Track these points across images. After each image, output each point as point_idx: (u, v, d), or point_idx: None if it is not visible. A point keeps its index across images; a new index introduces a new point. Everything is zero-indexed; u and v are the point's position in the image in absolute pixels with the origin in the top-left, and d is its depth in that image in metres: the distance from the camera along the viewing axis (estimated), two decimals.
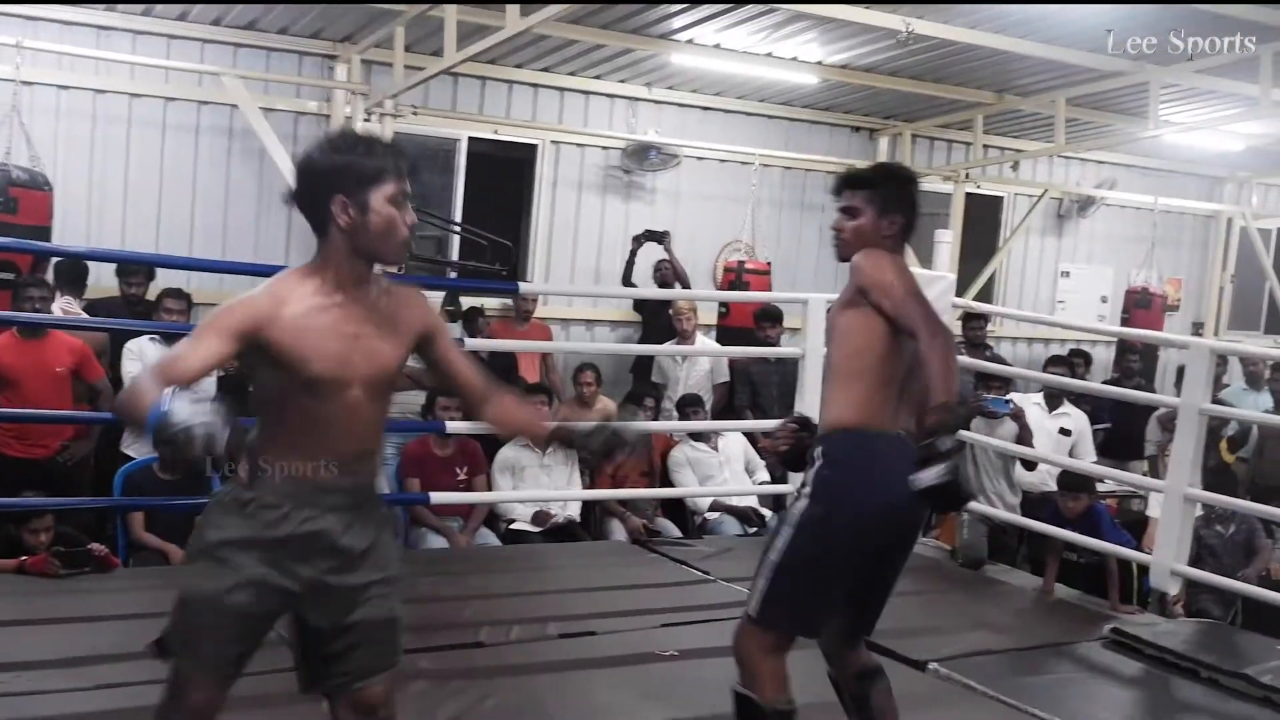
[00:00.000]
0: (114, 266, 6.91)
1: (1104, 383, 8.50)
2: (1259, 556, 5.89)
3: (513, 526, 6.55)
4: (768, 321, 7.82)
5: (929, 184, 10.33)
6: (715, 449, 7.08)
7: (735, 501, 6.99)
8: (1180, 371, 6.17)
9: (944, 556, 6.44)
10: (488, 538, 6.47)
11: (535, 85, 8.83)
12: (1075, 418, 7.06)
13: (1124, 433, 8.10)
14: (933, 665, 4.50)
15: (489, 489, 6.55)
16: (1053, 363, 7.63)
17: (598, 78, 8.93)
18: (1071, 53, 7.55)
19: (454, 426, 6.12)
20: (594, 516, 6.90)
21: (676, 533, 6.86)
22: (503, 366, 7.60)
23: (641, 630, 4.81)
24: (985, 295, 10.45)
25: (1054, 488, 6.16)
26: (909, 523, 3.14)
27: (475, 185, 8.86)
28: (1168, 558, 5.34)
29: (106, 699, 3.61)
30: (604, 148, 9.14)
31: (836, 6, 6.81)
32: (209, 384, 5.35)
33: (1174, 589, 5.54)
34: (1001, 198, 11.06)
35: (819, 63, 8.29)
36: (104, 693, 3.66)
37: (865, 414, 3.05)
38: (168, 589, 2.68)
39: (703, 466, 7.03)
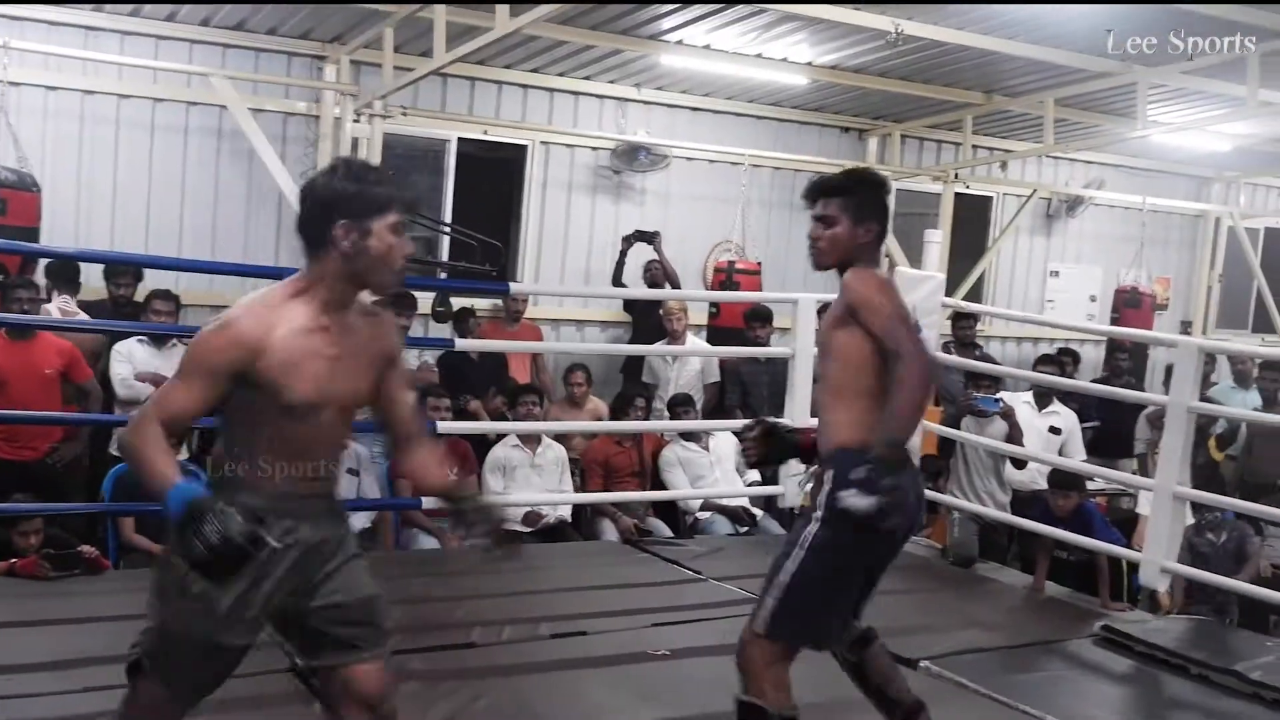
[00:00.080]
0: (102, 268, 6.89)
1: (1093, 381, 8.52)
2: (1249, 562, 5.91)
3: (504, 527, 6.52)
4: (758, 321, 7.83)
5: (918, 184, 10.40)
6: (706, 449, 7.08)
7: (726, 501, 7.00)
8: (1169, 370, 6.19)
9: (935, 555, 6.45)
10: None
11: (525, 86, 8.83)
12: (1065, 416, 7.07)
13: (1113, 431, 8.11)
14: (924, 663, 4.51)
15: (480, 489, 6.54)
16: (1042, 362, 7.63)
17: (587, 78, 8.93)
18: (1060, 53, 7.58)
19: (444, 427, 6.12)
20: (585, 516, 6.89)
21: (668, 532, 6.86)
22: (493, 367, 7.60)
23: (633, 630, 4.81)
24: (975, 295, 10.48)
25: (1044, 486, 6.18)
26: (911, 533, 3.28)
27: (465, 186, 8.85)
28: (1158, 555, 5.35)
29: (97, 701, 3.58)
30: (593, 148, 9.14)
31: (826, 7, 6.82)
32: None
33: (1163, 586, 5.56)
34: (991, 198, 11.08)
35: (808, 63, 8.31)
36: (94, 695, 3.63)
37: (868, 433, 3.10)
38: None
39: (694, 466, 7.03)
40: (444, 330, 8.05)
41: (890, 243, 9.24)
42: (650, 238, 8.78)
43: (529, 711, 3.94)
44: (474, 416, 6.93)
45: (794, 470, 6.21)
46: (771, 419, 3.78)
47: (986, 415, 6.41)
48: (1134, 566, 5.69)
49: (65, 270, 6.63)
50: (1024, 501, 6.55)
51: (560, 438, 6.91)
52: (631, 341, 8.82)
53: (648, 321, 8.35)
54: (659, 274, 8.78)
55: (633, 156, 9.11)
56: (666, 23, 7.43)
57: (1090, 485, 6.46)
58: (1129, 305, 10.32)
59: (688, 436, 7.10)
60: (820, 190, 3.23)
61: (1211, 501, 5.74)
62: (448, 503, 2.92)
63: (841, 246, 3.16)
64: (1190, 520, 5.84)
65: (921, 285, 6.48)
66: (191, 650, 2.56)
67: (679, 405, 7.21)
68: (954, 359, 7.39)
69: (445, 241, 8.75)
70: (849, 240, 3.16)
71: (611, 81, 9.00)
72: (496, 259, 8.39)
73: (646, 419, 7.26)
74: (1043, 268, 11.51)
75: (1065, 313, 11.21)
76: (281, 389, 2.47)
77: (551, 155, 9.05)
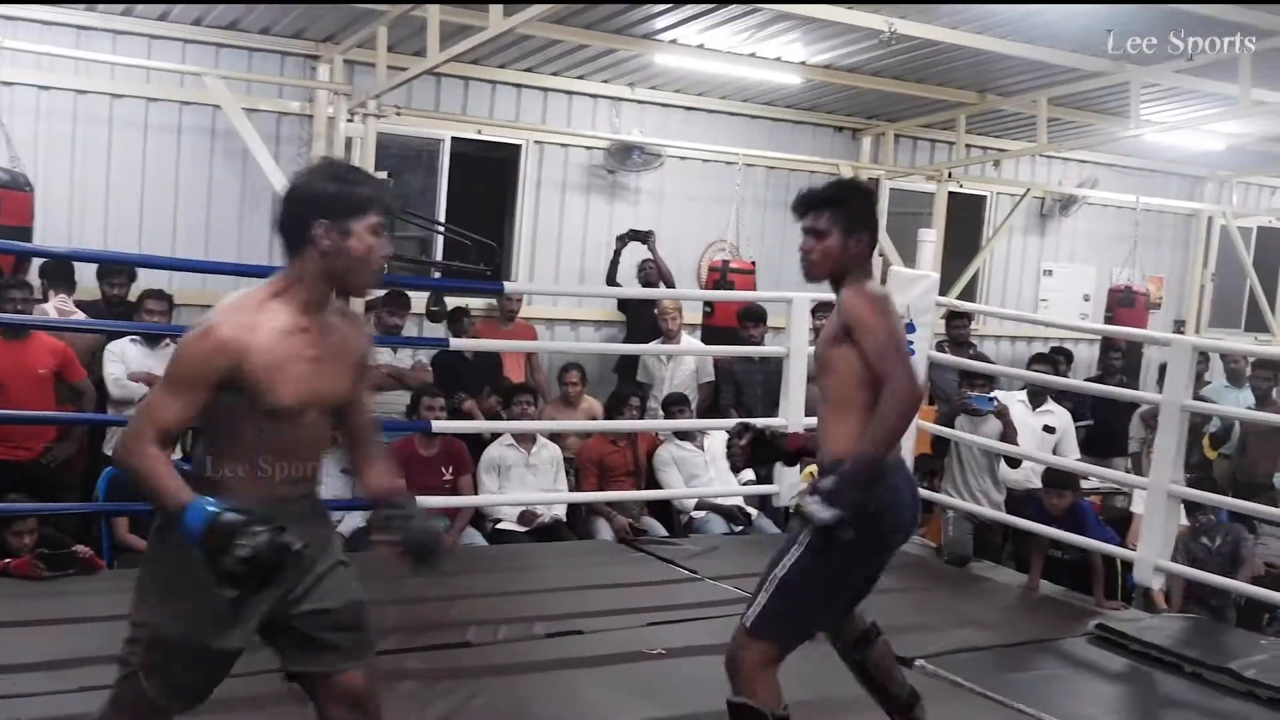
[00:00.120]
0: (95, 268, 6.87)
1: (1086, 380, 8.54)
2: (1245, 566, 5.92)
3: (499, 526, 6.54)
4: (751, 321, 7.83)
5: (912, 183, 10.41)
6: (701, 448, 7.09)
7: (721, 500, 7.00)
8: (1163, 369, 6.20)
9: (930, 554, 6.46)
10: (474, 538, 6.46)
11: (519, 85, 8.82)
12: (1059, 415, 7.08)
13: (1106, 430, 8.14)
14: (919, 662, 4.51)
15: (475, 489, 6.55)
16: (1036, 360, 7.65)
17: (581, 78, 8.92)
18: (1053, 53, 7.58)
19: (439, 426, 6.12)
20: (580, 516, 6.90)
21: (663, 532, 6.87)
22: (488, 367, 7.60)
23: (629, 629, 4.81)
24: (968, 294, 10.49)
25: (1038, 485, 6.19)
26: (909, 535, 3.35)
27: (459, 185, 8.84)
28: (1152, 553, 5.36)
29: (92, 701, 3.54)
30: (588, 148, 9.14)
31: (819, 6, 6.82)
32: None
33: (1157, 584, 5.57)
34: (984, 197, 11.10)
35: (802, 63, 8.31)
36: (88, 695, 3.61)
37: None
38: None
39: (688, 466, 7.04)
40: (438, 330, 8.04)
41: (884, 242, 9.25)
42: (644, 237, 8.78)
43: (525, 711, 3.94)
44: (469, 416, 6.93)
45: (791, 476, 6.24)
46: (758, 424, 3.82)
47: (981, 414, 6.42)
48: (1128, 565, 5.70)
49: (61, 269, 6.61)
50: (1018, 500, 6.56)
51: (555, 437, 6.91)
52: (626, 341, 8.81)
53: (642, 321, 8.35)
54: (653, 273, 8.78)
55: (627, 156, 9.11)
56: (660, 22, 7.42)
57: (1084, 484, 6.48)
58: (1123, 304, 10.34)
59: (682, 436, 7.11)
60: (809, 203, 3.25)
61: (1205, 500, 5.76)
62: (377, 506, 2.83)
63: (833, 259, 3.20)
64: (1184, 520, 5.85)
65: (916, 284, 6.49)
66: (184, 655, 2.55)
67: (673, 404, 7.21)
68: (948, 358, 7.40)
69: (439, 241, 8.73)
70: (841, 252, 3.19)
71: (605, 81, 9.00)
72: (491, 258, 8.39)
73: (641, 418, 7.26)
74: (1036, 267, 11.52)
75: (1059, 312, 11.23)
76: (265, 391, 2.46)
77: (545, 155, 9.04)
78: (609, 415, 7.25)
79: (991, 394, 6.58)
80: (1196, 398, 6.04)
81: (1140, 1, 6.34)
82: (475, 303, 8.44)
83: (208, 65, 7.61)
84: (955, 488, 6.51)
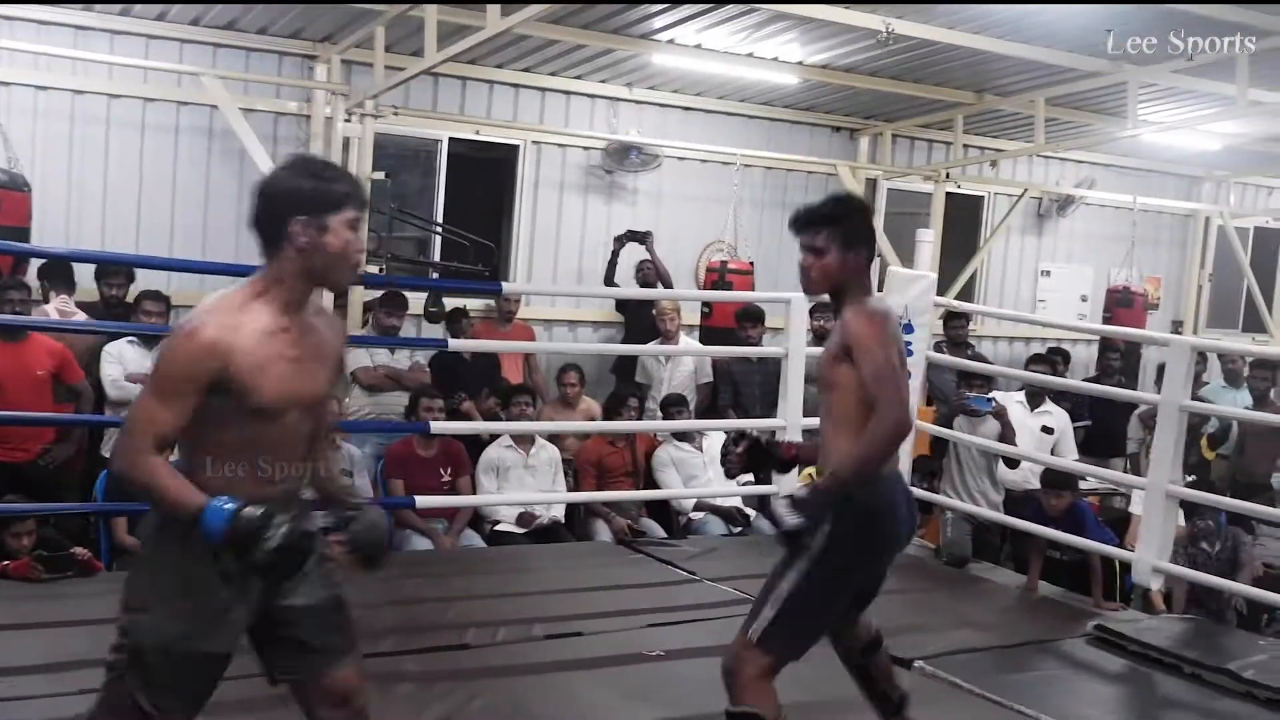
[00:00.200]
0: (93, 268, 6.86)
1: (1084, 381, 8.55)
2: (1244, 570, 5.92)
3: (498, 528, 6.54)
4: (749, 321, 7.83)
5: (909, 183, 10.41)
6: (699, 449, 7.09)
7: (719, 501, 7.00)
8: (1161, 369, 6.20)
9: (928, 555, 6.46)
10: (472, 539, 6.46)
11: (516, 85, 8.81)
12: (1057, 416, 7.09)
13: (1104, 430, 8.14)
14: (918, 663, 4.52)
15: (473, 490, 6.54)
16: (1034, 361, 7.65)
17: (579, 78, 8.92)
18: (1051, 53, 7.58)
19: (438, 427, 6.11)
20: (578, 517, 6.89)
21: (661, 533, 6.86)
22: (486, 367, 7.59)
23: (628, 631, 4.81)
24: (966, 294, 10.48)
25: (1037, 486, 6.19)
26: (908, 543, 3.40)
27: (456, 186, 8.83)
28: (1150, 554, 5.36)
29: (90, 704, 3.58)
30: (585, 148, 9.13)
31: (817, 6, 6.81)
32: None
33: (1156, 585, 5.57)
34: (982, 197, 11.10)
35: (799, 63, 8.30)
36: (88, 698, 3.59)
37: None
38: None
39: (687, 467, 7.04)
40: (436, 330, 8.04)
41: (882, 242, 9.25)
42: (642, 238, 8.77)
43: (524, 712, 3.94)
44: (467, 417, 6.93)
45: (791, 478, 6.23)
46: (755, 432, 3.87)
47: (979, 415, 6.42)
48: (1127, 566, 5.70)
49: (61, 270, 6.60)
50: (1017, 501, 6.56)
51: (553, 438, 6.91)
52: (624, 342, 8.81)
53: (640, 322, 8.35)
54: (651, 274, 8.77)
55: (624, 156, 9.11)
56: (658, 22, 7.42)
57: (1083, 484, 6.48)
58: (1121, 305, 10.35)
59: (681, 437, 7.11)
60: (808, 221, 3.27)
61: (1203, 500, 5.76)
62: (327, 505, 2.81)
63: (832, 275, 3.23)
64: (1182, 521, 5.85)
65: (913, 285, 6.50)
66: (179, 662, 2.54)
67: (672, 405, 7.21)
68: (946, 358, 7.40)
69: (437, 242, 8.74)
70: (839, 268, 3.22)
71: (603, 81, 8.99)
72: (489, 259, 8.39)
73: (639, 419, 7.26)
74: (1034, 267, 11.52)
75: (1056, 312, 11.23)
76: (250, 392, 2.46)
77: (543, 155, 9.04)
78: (607, 416, 7.25)
79: (990, 395, 6.58)
80: (1194, 398, 6.04)
81: (1139, 1, 6.33)
82: (473, 303, 8.43)
83: (205, 65, 7.60)
84: (954, 488, 6.52)
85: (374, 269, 7.85)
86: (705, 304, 8.69)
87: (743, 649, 3.18)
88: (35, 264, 6.71)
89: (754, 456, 3.61)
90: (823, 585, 3.16)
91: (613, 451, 7.01)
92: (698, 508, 7.00)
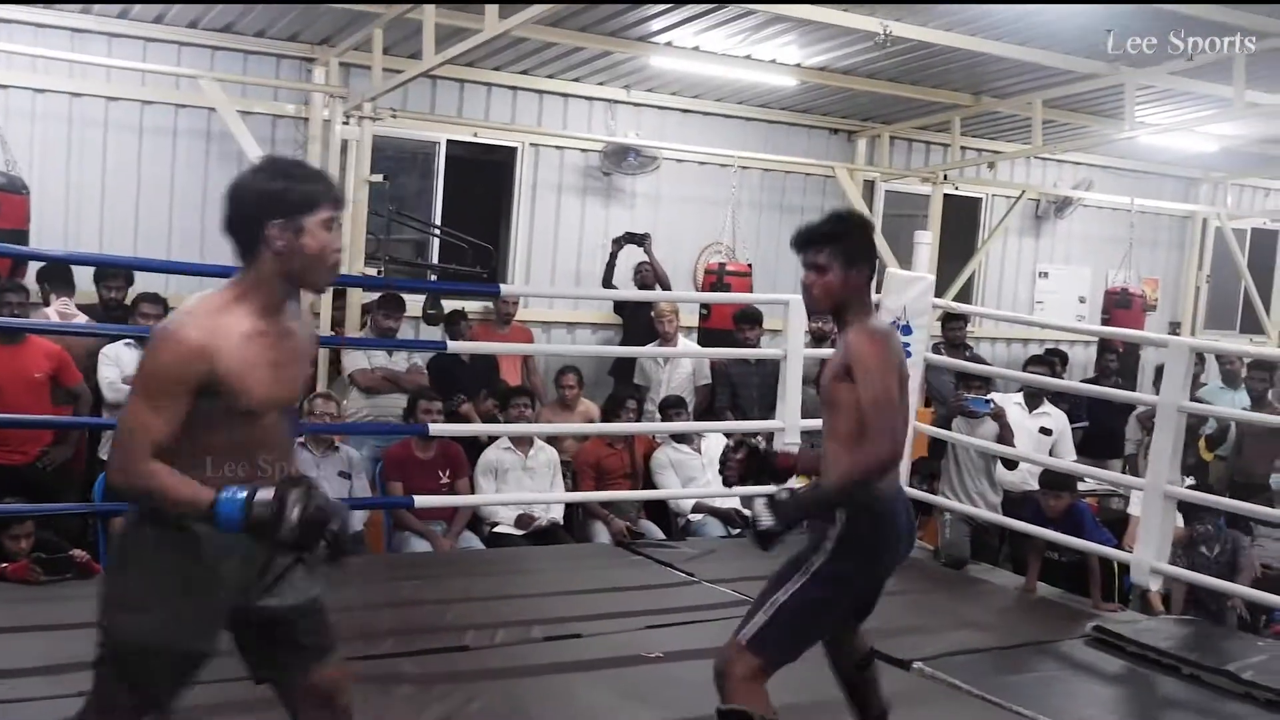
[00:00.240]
0: (91, 271, 6.85)
1: (1082, 382, 8.56)
2: (1243, 574, 5.93)
3: (496, 529, 6.53)
4: (747, 323, 7.83)
5: (907, 185, 10.42)
6: (698, 451, 7.09)
7: (718, 503, 7.00)
8: (1159, 370, 6.20)
9: (927, 556, 6.46)
10: (471, 541, 6.46)
11: (514, 88, 8.82)
12: (1055, 417, 7.09)
13: (1102, 431, 8.15)
14: (917, 664, 4.52)
15: (472, 492, 6.54)
16: (1033, 362, 7.66)
17: (576, 80, 8.92)
18: (1048, 55, 7.59)
19: (436, 429, 6.11)
20: (577, 519, 6.89)
21: (659, 535, 6.86)
22: (484, 369, 7.59)
23: (626, 632, 4.81)
24: (964, 296, 10.48)
25: (1035, 487, 6.19)
26: (908, 553, 3.45)
27: (454, 188, 8.84)
28: (1148, 555, 5.36)
29: None
30: (583, 150, 9.14)
31: (815, 8, 6.82)
32: None
33: (1155, 586, 5.57)
34: (980, 199, 11.11)
35: (797, 65, 8.31)
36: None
37: None
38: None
39: (685, 468, 7.04)
40: (435, 332, 8.04)
41: (880, 244, 9.25)
42: (640, 240, 8.78)
43: (523, 714, 3.94)
44: (465, 419, 6.93)
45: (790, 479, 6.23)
46: (755, 439, 3.90)
47: (977, 416, 6.42)
48: (1125, 567, 5.70)
49: (60, 273, 6.60)
50: (1015, 502, 6.57)
51: (552, 440, 6.90)
52: (622, 343, 8.82)
53: (638, 323, 8.35)
54: (649, 276, 8.78)
55: (622, 158, 9.11)
56: (655, 24, 7.42)
57: (1081, 486, 6.48)
58: (1119, 306, 10.34)
59: (679, 438, 7.11)
60: (809, 239, 3.28)
61: (1202, 501, 5.77)
62: None
63: (835, 293, 3.24)
64: (1181, 524, 5.85)
65: (911, 286, 6.50)
66: (161, 661, 2.54)
67: (670, 407, 7.21)
68: (944, 360, 7.41)
69: (435, 244, 8.74)
70: (842, 286, 3.23)
71: (601, 83, 9.00)
72: (487, 261, 8.40)
73: (638, 421, 7.26)
74: (1032, 269, 11.53)
75: (1054, 314, 11.24)
76: (234, 395, 2.45)
77: (541, 157, 9.04)
78: (606, 418, 7.25)
79: (988, 396, 6.59)
80: (1192, 399, 6.04)
81: (1138, 1, 6.34)
82: (472, 305, 8.44)
83: (203, 68, 7.60)
84: (952, 490, 6.52)
85: (372, 271, 7.86)
86: (703, 306, 8.69)
87: (733, 651, 3.20)
88: (34, 266, 6.71)
89: (752, 465, 3.63)
90: (819, 597, 3.18)
91: (611, 453, 7.01)
92: (696, 509, 7.00)
